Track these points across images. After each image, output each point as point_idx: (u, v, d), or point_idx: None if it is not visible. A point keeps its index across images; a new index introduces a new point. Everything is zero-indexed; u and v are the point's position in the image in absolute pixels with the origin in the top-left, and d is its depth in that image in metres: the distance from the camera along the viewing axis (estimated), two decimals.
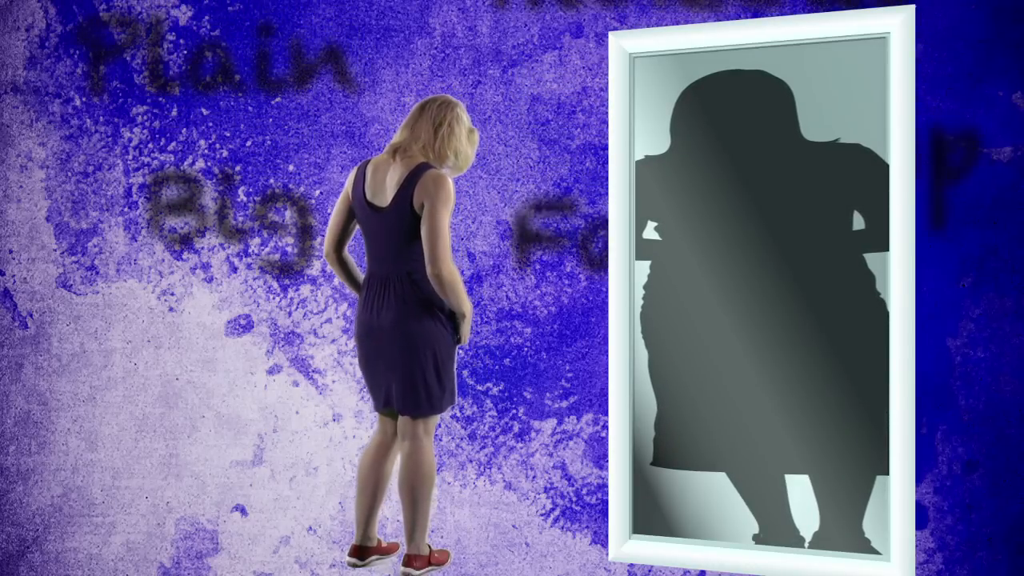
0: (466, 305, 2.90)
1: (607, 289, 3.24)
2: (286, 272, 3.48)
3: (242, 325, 3.51)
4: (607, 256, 3.18)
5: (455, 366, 2.97)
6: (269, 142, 3.48)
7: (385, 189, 2.90)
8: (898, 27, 2.85)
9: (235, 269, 3.51)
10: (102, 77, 3.57)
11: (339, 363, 3.46)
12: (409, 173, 2.86)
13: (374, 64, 3.42)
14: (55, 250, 3.59)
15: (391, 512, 3.38)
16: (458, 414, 3.37)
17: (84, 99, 3.58)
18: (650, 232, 3.09)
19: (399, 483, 2.99)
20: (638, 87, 3.09)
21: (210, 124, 3.51)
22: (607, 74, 3.24)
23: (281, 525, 3.46)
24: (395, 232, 2.88)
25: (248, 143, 3.49)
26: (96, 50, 3.57)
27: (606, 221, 3.23)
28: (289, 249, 3.48)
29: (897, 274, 2.86)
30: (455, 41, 3.37)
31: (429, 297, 2.88)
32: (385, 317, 2.89)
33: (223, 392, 3.51)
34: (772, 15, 3.14)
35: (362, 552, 3.09)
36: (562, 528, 3.30)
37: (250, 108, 3.49)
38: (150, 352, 3.55)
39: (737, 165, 2.99)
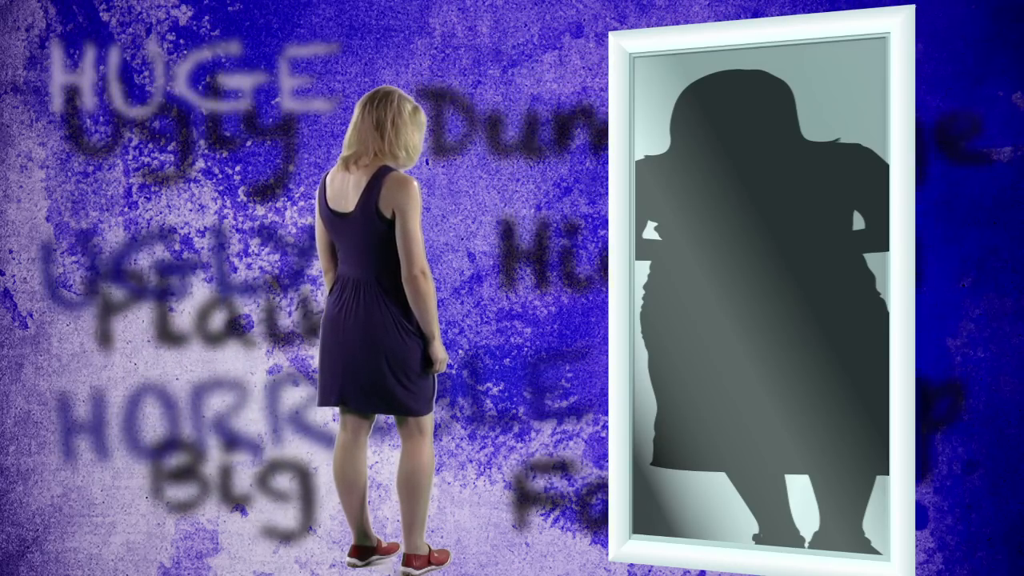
0: (434, 324, 2.90)
1: (607, 289, 3.24)
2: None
3: (242, 325, 3.51)
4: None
5: (429, 373, 2.96)
6: (269, 141, 3.48)
7: (347, 194, 2.91)
8: (898, 27, 2.85)
9: (235, 269, 3.51)
10: (102, 76, 3.57)
11: None
12: (371, 178, 2.87)
13: (374, 64, 3.42)
14: (55, 250, 3.59)
15: (391, 512, 3.38)
16: (458, 414, 3.37)
17: (84, 99, 3.58)
18: (650, 232, 3.09)
19: (397, 482, 2.99)
20: (638, 87, 3.09)
21: (211, 124, 3.51)
22: (607, 74, 3.24)
23: (281, 525, 3.46)
24: (361, 236, 2.88)
25: (248, 143, 3.49)
26: (96, 49, 3.57)
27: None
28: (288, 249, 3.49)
29: (897, 274, 2.86)
30: (455, 41, 3.37)
31: (397, 310, 2.89)
32: (353, 318, 2.90)
33: (223, 392, 3.51)
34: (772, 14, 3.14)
35: (362, 552, 3.09)
36: (562, 528, 3.30)
37: (249, 110, 3.49)
38: (150, 352, 3.54)
39: (737, 165, 2.99)
